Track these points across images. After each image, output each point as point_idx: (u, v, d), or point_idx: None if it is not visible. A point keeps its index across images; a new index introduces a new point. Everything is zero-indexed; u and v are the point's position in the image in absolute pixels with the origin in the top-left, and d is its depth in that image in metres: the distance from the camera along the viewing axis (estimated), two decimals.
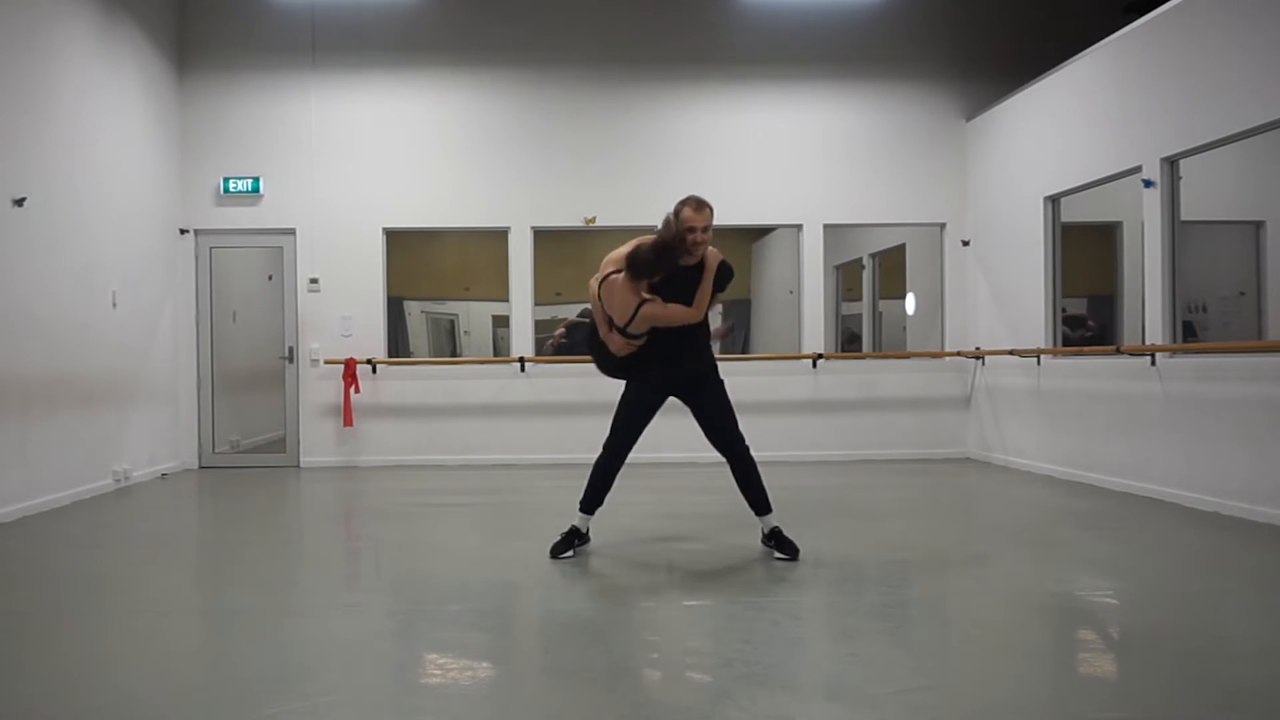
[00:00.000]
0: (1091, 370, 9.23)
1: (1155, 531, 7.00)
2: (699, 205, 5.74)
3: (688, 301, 5.76)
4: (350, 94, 11.39)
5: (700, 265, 5.81)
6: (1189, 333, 8.46)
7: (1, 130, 7.81)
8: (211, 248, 11.30)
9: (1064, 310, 10.12)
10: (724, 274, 5.88)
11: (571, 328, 6.28)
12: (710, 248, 5.85)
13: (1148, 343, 8.36)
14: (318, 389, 11.26)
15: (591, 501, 6.07)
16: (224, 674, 4.01)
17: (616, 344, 5.79)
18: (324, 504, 9.18)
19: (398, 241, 11.77)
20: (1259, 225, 8.67)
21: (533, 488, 9.40)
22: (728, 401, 6.02)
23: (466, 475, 10.44)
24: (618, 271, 5.73)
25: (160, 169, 10.77)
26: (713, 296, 5.88)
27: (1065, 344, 10.02)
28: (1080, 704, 3.59)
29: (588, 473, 6.09)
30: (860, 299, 14.33)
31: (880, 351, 13.55)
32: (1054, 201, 9.96)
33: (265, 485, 10.02)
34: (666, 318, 5.71)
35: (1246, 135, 7.40)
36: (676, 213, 5.76)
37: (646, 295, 5.67)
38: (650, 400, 6.03)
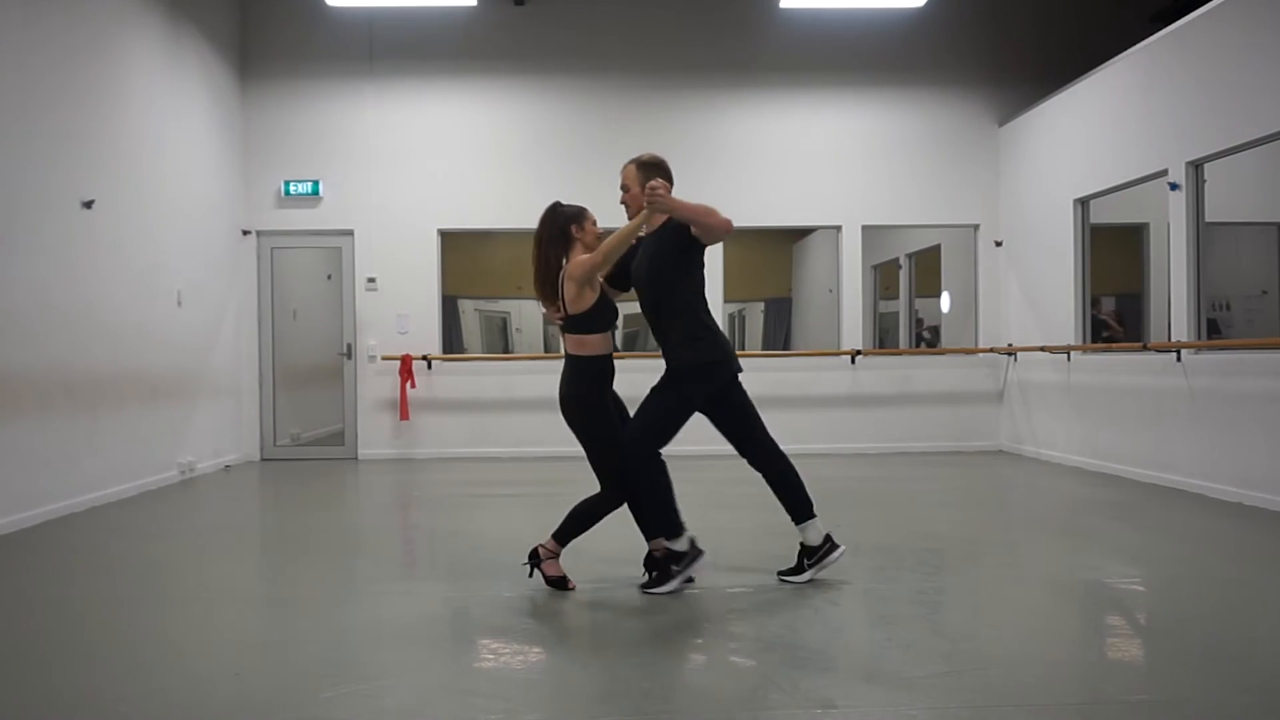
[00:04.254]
0: (1119, 366, 9.44)
1: (1181, 521, 7.15)
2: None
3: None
4: (406, 100, 11.77)
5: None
6: (1213, 330, 8.64)
7: (71, 135, 7.96)
8: (273, 248, 11.72)
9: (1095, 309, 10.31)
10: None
11: None
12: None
13: (1173, 339, 8.55)
14: (375, 384, 11.65)
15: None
16: (284, 657, 4.13)
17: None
18: (381, 494, 9.38)
19: (452, 242, 12.14)
20: None
21: (584, 479, 9.34)
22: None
23: (519, 467, 10.64)
24: None
25: (223, 172, 11.11)
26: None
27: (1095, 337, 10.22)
28: (1108, 686, 3.69)
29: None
30: (897, 297, 14.58)
31: (915, 348, 13.82)
32: (1083, 204, 10.18)
33: (324, 477, 10.28)
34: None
35: (1269, 140, 7.61)
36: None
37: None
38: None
